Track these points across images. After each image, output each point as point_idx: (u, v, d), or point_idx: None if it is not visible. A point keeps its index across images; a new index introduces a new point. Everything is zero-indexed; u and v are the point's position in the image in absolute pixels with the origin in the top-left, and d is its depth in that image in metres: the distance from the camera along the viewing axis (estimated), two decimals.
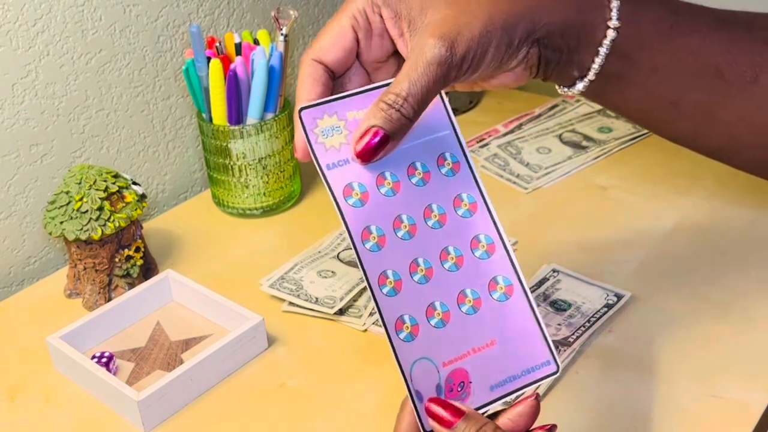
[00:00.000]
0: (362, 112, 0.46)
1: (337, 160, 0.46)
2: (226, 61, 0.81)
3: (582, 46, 0.53)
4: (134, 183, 0.76)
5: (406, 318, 0.44)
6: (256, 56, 0.80)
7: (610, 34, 0.52)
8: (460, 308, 0.45)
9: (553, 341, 0.65)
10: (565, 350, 0.64)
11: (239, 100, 0.81)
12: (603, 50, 0.53)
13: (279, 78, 0.82)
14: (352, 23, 0.50)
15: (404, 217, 0.46)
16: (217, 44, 0.82)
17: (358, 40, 0.50)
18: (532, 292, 0.71)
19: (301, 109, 0.46)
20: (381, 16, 0.50)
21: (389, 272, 0.44)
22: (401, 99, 0.45)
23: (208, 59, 0.80)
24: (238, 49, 0.83)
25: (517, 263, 0.46)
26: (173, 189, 0.95)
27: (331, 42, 0.50)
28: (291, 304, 0.73)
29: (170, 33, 0.89)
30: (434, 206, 0.46)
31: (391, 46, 0.52)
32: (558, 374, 0.44)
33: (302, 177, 0.91)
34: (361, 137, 0.45)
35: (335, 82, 0.51)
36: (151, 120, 0.90)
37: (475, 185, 0.48)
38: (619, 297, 0.70)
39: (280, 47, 0.82)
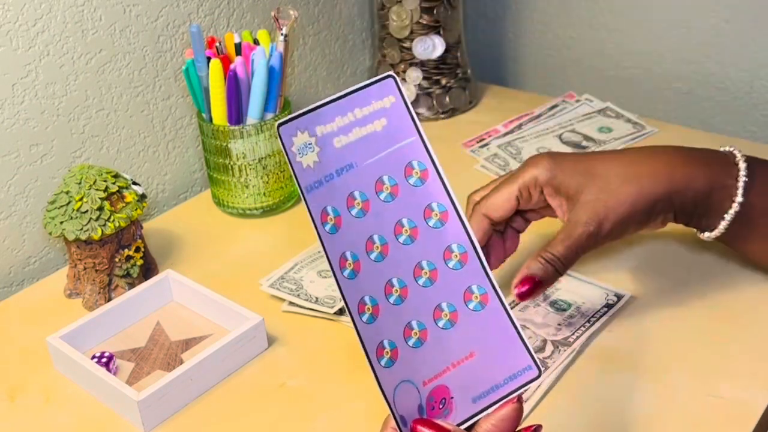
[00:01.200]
0: (329, 126, 0.46)
1: (313, 181, 0.46)
2: (226, 61, 0.81)
3: (710, 214, 0.63)
4: (134, 183, 0.76)
5: (386, 343, 0.43)
6: (256, 56, 0.80)
7: (735, 207, 0.62)
8: (436, 324, 0.44)
9: (553, 341, 0.65)
10: (565, 350, 0.64)
11: (239, 100, 0.81)
12: (728, 218, 0.63)
13: (279, 78, 0.82)
14: (517, 195, 0.63)
15: (375, 237, 0.45)
16: (217, 44, 0.82)
17: (519, 204, 0.64)
18: None
19: (279, 124, 0.46)
20: (542, 192, 0.63)
21: (366, 298, 0.44)
22: (556, 259, 0.60)
23: (208, 59, 0.80)
24: (238, 49, 0.83)
25: (489, 269, 0.45)
26: (173, 189, 0.95)
27: (499, 204, 0.63)
28: (291, 303, 0.73)
29: (170, 33, 0.89)
30: (405, 221, 0.46)
31: (543, 211, 0.66)
32: (540, 378, 0.44)
33: None
34: (522, 282, 0.59)
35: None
36: (151, 120, 0.90)
37: (445, 192, 0.47)
38: (619, 297, 0.70)
39: (280, 47, 0.82)
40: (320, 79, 1.08)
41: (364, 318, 0.44)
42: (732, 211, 0.62)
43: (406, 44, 1.02)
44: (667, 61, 1.06)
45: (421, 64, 1.03)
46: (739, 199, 0.62)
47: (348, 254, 0.45)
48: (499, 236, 0.66)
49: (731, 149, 0.64)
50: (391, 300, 0.45)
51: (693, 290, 0.71)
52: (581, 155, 0.64)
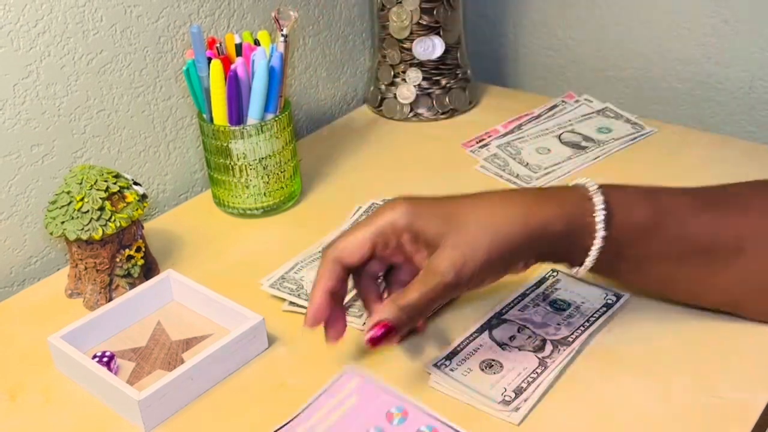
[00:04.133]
0: (309, 422, 0.58)
1: None
2: (227, 62, 0.81)
3: (574, 252, 0.61)
4: (135, 183, 0.76)
5: None
6: (257, 57, 0.81)
7: (598, 243, 0.60)
8: None
9: (553, 341, 0.65)
10: (564, 350, 0.64)
11: (240, 101, 0.82)
12: (593, 254, 0.61)
13: (279, 78, 0.82)
14: (373, 240, 0.60)
15: None
16: (218, 45, 0.83)
17: (375, 250, 0.60)
18: (531, 291, 0.71)
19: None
20: (400, 239, 0.60)
21: None
22: (411, 307, 0.57)
23: (209, 60, 0.81)
24: (239, 49, 0.83)
25: None
26: (174, 189, 0.95)
27: (352, 249, 0.60)
28: (291, 303, 0.73)
29: (171, 34, 0.89)
30: None
31: (404, 257, 0.61)
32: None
33: (302, 177, 0.92)
34: (372, 327, 0.57)
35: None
36: (152, 120, 0.90)
37: (429, 416, 0.57)
38: (618, 297, 0.70)
39: (281, 48, 0.83)
40: (320, 80, 1.09)
41: None
42: (595, 248, 0.60)
43: (406, 45, 1.02)
44: (666, 62, 1.06)
45: (421, 65, 1.03)
46: (600, 234, 0.59)
47: None
48: (371, 281, 0.64)
49: (584, 182, 0.62)
50: None
51: None
52: (440, 200, 0.61)
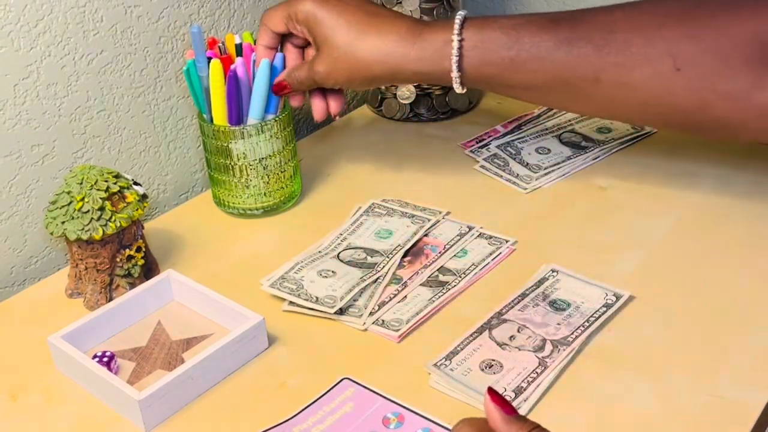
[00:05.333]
0: (305, 424, 0.59)
1: None
2: (227, 62, 0.81)
3: (443, 81, 0.73)
4: (135, 183, 0.76)
5: None
6: (257, 57, 0.81)
7: (456, 78, 0.72)
8: None
9: (552, 340, 0.65)
10: (564, 349, 0.64)
11: (240, 101, 0.82)
12: (456, 86, 0.73)
13: None
14: (285, 20, 0.78)
15: None
16: (220, 45, 0.83)
17: (288, 28, 0.79)
18: (531, 291, 0.71)
19: None
20: (301, 27, 0.78)
21: None
22: (298, 79, 0.79)
23: (209, 60, 0.81)
24: (239, 49, 0.83)
25: None
26: (174, 189, 0.95)
27: (272, 21, 0.79)
28: (291, 303, 0.73)
29: (171, 34, 0.89)
30: None
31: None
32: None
33: (303, 177, 0.92)
34: (277, 83, 0.81)
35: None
36: (152, 120, 0.91)
37: (424, 419, 0.58)
38: (618, 297, 0.70)
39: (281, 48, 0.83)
40: None
41: None
42: (456, 83, 0.72)
43: None
44: None
45: None
46: (455, 74, 0.72)
47: None
48: (293, 49, 0.82)
49: (455, 20, 0.71)
50: None
51: (692, 290, 0.71)
52: (340, 7, 0.75)
